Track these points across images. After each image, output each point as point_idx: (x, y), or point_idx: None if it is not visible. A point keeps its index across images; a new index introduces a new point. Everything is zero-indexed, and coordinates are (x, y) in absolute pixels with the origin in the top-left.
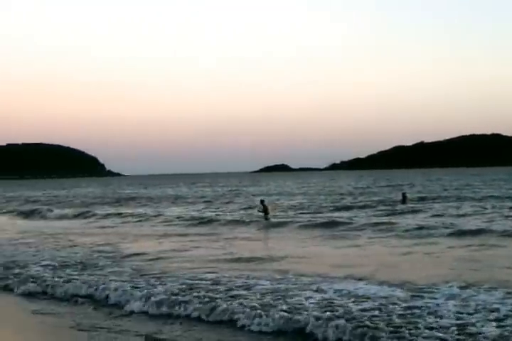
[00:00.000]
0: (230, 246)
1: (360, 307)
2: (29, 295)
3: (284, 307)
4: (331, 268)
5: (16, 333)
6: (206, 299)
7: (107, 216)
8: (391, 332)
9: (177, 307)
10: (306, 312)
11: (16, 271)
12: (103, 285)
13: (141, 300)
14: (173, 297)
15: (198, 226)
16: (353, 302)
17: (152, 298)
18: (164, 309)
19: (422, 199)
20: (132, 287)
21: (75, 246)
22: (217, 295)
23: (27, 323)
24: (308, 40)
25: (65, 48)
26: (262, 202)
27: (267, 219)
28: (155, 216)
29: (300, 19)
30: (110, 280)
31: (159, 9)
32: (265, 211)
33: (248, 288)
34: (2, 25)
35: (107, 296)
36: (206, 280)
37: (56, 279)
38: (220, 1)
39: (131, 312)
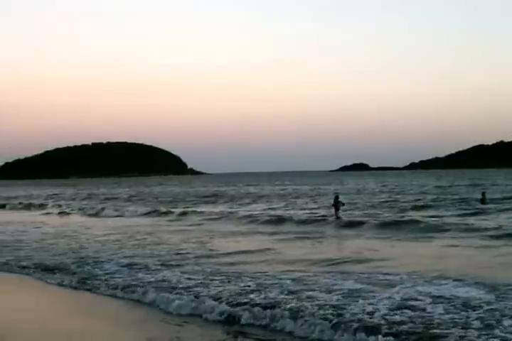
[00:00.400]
0: (313, 245)
1: (438, 309)
2: (99, 292)
3: (354, 309)
4: (416, 268)
5: (110, 327)
6: (269, 300)
7: (188, 214)
8: (460, 337)
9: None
10: (377, 314)
11: (88, 268)
12: (173, 285)
13: (205, 301)
14: (238, 296)
15: (279, 224)
16: (433, 303)
17: (218, 298)
18: (223, 314)
19: (504, 198)
20: (204, 286)
21: (159, 244)
22: (288, 296)
23: (115, 318)
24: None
25: (161, 48)
26: (336, 198)
27: (338, 217)
28: (237, 214)
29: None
30: (185, 279)
31: None
32: (337, 209)
33: (328, 287)
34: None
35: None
36: (286, 280)
37: (129, 278)
38: None
39: (193, 314)
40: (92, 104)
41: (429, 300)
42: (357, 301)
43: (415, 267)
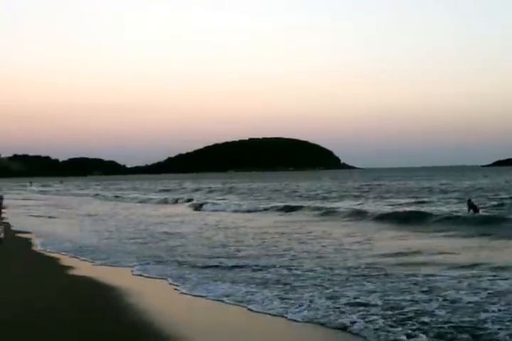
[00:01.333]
0: (467, 244)
1: None
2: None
3: (486, 314)
4: None
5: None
6: (387, 303)
7: (339, 208)
8: None
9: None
10: (503, 322)
11: (238, 261)
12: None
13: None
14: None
15: (426, 220)
16: None
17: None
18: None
19: None
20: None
21: (316, 238)
22: (421, 297)
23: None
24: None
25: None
26: (469, 201)
27: (474, 217)
28: (387, 209)
29: None
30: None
31: None
32: (475, 209)
33: (477, 288)
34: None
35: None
36: (436, 281)
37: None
38: None
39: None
40: (250, 102)
41: None
42: (497, 303)
43: None
